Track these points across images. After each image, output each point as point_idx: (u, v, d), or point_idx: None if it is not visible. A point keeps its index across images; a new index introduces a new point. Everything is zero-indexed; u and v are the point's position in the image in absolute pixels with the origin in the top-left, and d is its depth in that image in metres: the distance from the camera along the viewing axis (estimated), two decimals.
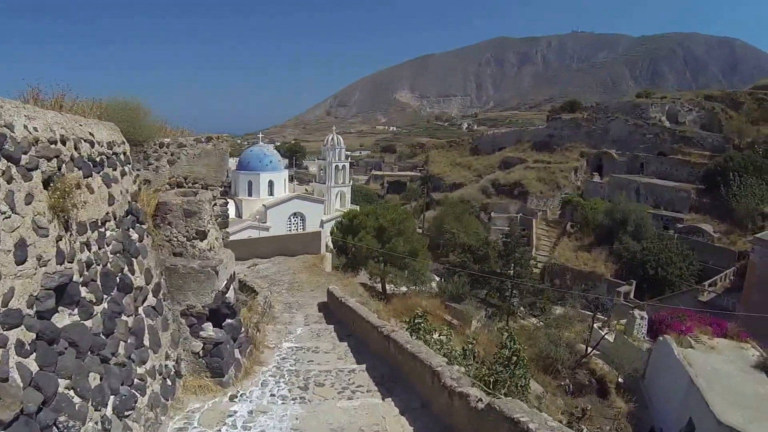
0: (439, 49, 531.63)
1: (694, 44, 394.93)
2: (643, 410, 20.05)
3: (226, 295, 9.42)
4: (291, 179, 68.57)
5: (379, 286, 27.14)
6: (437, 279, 35.41)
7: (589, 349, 23.60)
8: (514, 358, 12.26)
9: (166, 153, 11.19)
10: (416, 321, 13.15)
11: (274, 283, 22.10)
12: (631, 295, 40.84)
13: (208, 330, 9.12)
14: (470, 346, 12.54)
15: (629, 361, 22.23)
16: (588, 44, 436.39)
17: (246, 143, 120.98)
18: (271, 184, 61.11)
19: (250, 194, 60.47)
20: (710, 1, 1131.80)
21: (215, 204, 11.39)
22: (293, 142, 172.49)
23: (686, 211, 55.95)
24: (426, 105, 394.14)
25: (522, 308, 30.59)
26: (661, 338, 21.89)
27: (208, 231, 9.33)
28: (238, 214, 58.77)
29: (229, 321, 9.56)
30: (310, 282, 22.48)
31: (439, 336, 12.94)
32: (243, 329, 10.46)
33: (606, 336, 24.84)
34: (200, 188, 11.05)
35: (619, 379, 22.46)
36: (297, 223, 60.50)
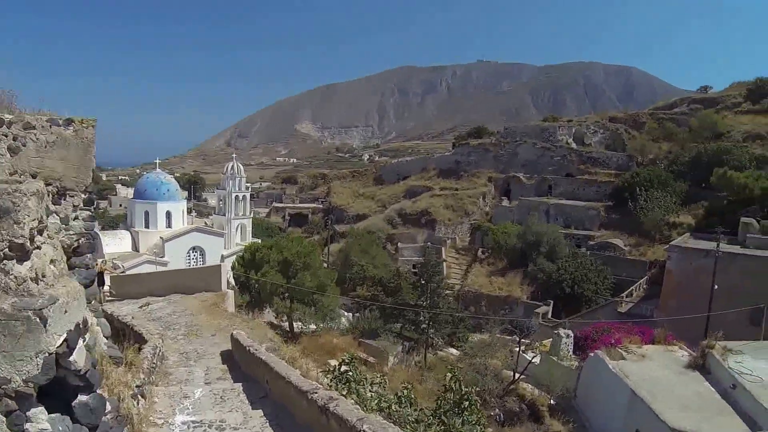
0: (344, 78, 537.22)
1: (593, 73, 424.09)
2: (581, 430, 19.05)
3: (71, 359, 5.51)
4: (189, 211, 65.08)
5: (286, 324, 25.96)
6: (346, 314, 34.45)
7: (517, 375, 22.59)
8: (465, 403, 10.56)
9: (5, 136, 7.60)
10: (342, 370, 10.83)
11: (169, 327, 19.49)
12: (549, 315, 41.08)
13: (39, 420, 5.24)
14: (406, 392, 10.56)
15: (559, 382, 21.36)
16: (492, 73, 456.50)
17: (145, 173, 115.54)
18: (168, 215, 57.97)
19: (146, 225, 57.12)
20: (609, 32, 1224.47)
21: (76, 217, 8.27)
22: (193, 173, 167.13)
23: (596, 228, 57.87)
24: (327, 136, 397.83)
25: (439, 339, 29.63)
26: (591, 354, 21.33)
27: (36, 248, 5.59)
28: (135, 248, 55.76)
29: (81, 399, 5.80)
30: (211, 325, 20.02)
31: (371, 386, 10.69)
32: (111, 406, 6.61)
33: (534, 359, 23.99)
34: (55, 192, 8.09)
35: (551, 401, 21.45)
36: (196, 258, 57.51)
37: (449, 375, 11.35)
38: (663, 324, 25.79)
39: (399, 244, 61.98)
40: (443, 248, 58.66)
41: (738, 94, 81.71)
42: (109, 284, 26.22)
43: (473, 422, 10.42)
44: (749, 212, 42.12)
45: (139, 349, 12.17)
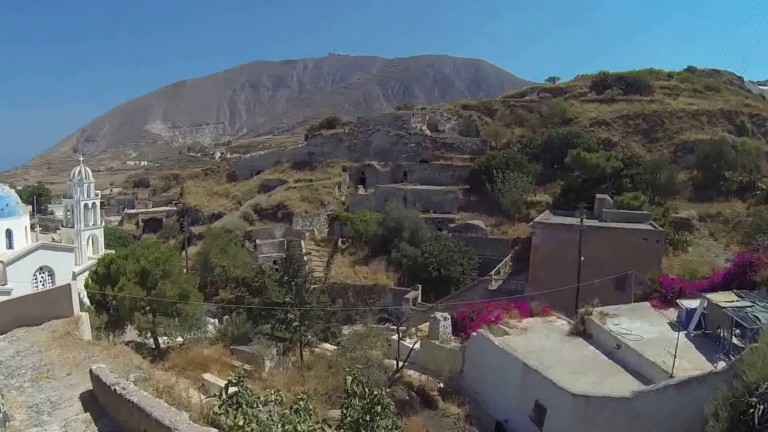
0: (193, 75, 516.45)
1: (443, 65, 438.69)
2: (478, 409, 18.65)
3: None
4: (33, 228, 57.82)
5: (152, 341, 24.10)
6: (212, 321, 32.89)
7: (400, 363, 21.85)
8: (377, 407, 9.12)
9: None
10: (231, 392, 8.81)
11: (12, 374, 15.63)
12: (419, 300, 41.00)
13: None
14: (301, 403, 8.83)
15: (445, 365, 20.87)
16: (343, 66, 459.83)
17: None
18: (9, 233, 50.84)
19: None
20: (458, 26, 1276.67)
21: None
22: (37, 184, 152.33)
23: (456, 211, 59.34)
24: (179, 135, 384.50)
25: (313, 336, 28.24)
26: (473, 334, 21.26)
27: None
28: None
29: None
30: (65, 361, 16.48)
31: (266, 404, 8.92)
32: None
33: (415, 345, 23.33)
34: None
35: (440, 385, 20.90)
36: (44, 280, 50.79)
37: (350, 378, 9.88)
38: (537, 297, 26.44)
39: (257, 240, 59.95)
40: (303, 241, 57.18)
41: (584, 85, 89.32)
42: None
43: (390, 428, 9.13)
44: (602, 189, 44.93)
45: None
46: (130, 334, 24.43)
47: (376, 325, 28.06)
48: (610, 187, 47.61)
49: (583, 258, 30.54)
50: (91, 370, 13.36)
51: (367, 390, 9.42)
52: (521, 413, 16.98)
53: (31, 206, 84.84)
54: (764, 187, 55.07)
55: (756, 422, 9.44)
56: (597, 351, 18.76)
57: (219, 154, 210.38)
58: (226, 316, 36.77)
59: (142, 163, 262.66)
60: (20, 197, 60.58)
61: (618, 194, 46.80)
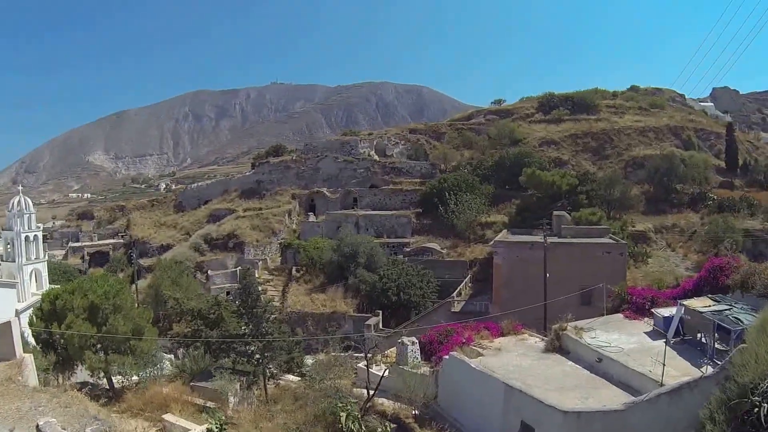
0: (134, 105, 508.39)
1: (385, 92, 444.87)
2: None
3: None
4: None
5: (105, 382, 22.88)
6: (168, 357, 31.46)
7: (371, 391, 20.90)
8: None
9: None
10: None
11: None
12: (380, 326, 40.25)
13: None
14: None
15: (418, 391, 20.01)
16: (286, 95, 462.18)
17: None
18: None
19: None
20: (398, 53, 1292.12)
21: None
22: None
23: (410, 235, 59.14)
24: (122, 167, 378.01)
25: (276, 368, 27.07)
26: (446, 357, 20.67)
27: None
28: None
29: None
30: (7, 414, 14.08)
31: None
32: None
33: (385, 372, 22.48)
34: None
35: (415, 412, 20.04)
36: None
37: (343, 415, 9.18)
38: (505, 316, 26.04)
39: (209, 271, 58.45)
40: (256, 270, 55.81)
41: (530, 106, 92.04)
42: None
43: None
44: (558, 207, 45.41)
45: None
46: (82, 374, 23.20)
47: (340, 354, 27.16)
48: (566, 203, 48.23)
49: (548, 274, 30.46)
50: (37, 426, 11.82)
51: (363, 427, 8.71)
52: None
53: None
54: (715, 197, 57.19)
55: (763, 421, 9.60)
56: (577, 366, 18.45)
57: (164, 185, 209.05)
58: (181, 350, 35.26)
59: (85, 195, 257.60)
60: None
61: (575, 210, 47.42)
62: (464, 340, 21.93)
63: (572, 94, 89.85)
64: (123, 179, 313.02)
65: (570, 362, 18.88)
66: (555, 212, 42.22)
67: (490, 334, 22.94)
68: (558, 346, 20.26)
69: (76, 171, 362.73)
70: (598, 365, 17.82)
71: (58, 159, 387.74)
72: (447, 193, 57.43)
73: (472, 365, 18.62)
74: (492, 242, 39.54)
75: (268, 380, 25.15)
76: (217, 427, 8.14)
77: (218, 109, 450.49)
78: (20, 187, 70.19)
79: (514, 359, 19.85)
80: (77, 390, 17.70)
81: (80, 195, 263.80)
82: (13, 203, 56.65)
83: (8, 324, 17.60)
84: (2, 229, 62.87)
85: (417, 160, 77.74)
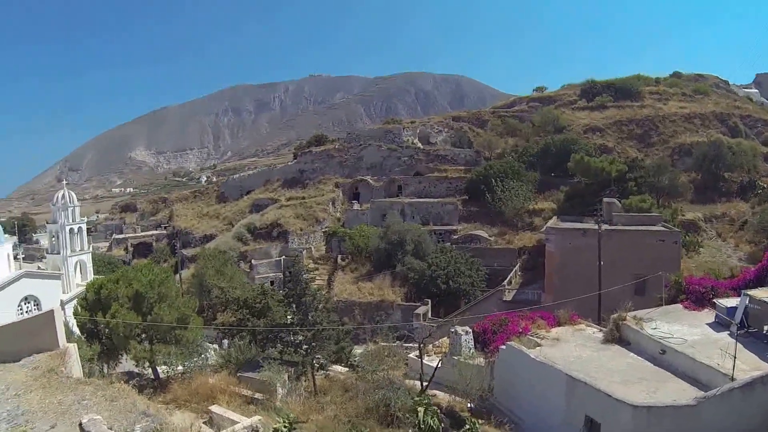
0: (175, 101, 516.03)
1: (423, 82, 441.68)
2: (517, 429, 17.52)
3: None
4: (16, 257, 56.06)
5: (150, 371, 22.81)
6: (212, 347, 31.34)
7: (425, 383, 20.57)
8: None
9: None
10: None
11: None
12: (429, 315, 39.86)
13: None
14: None
15: (475, 382, 19.58)
16: (324, 87, 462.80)
17: None
18: None
19: None
20: (435, 43, 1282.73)
21: None
22: (21, 215, 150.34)
23: (456, 222, 58.46)
24: (163, 161, 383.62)
25: (325, 359, 26.74)
26: (503, 347, 20.14)
27: None
28: None
29: None
30: (49, 408, 12.82)
31: None
32: None
33: (440, 363, 22.11)
34: None
35: (470, 405, 19.64)
36: (30, 310, 48.32)
37: (421, 410, 8.99)
38: (564, 306, 25.43)
39: (253, 260, 58.62)
40: (301, 259, 56.04)
41: (573, 93, 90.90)
42: None
43: None
44: (607, 193, 44.35)
45: None
46: (126, 364, 23.32)
47: (388, 344, 26.83)
48: (615, 191, 47.18)
49: (602, 262, 29.82)
50: (80, 424, 10.53)
51: (443, 424, 8.49)
52: (568, 430, 15.91)
53: (15, 237, 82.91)
54: (765, 186, 55.39)
55: None
56: (639, 358, 17.85)
57: (205, 178, 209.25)
58: (225, 340, 35.43)
59: (128, 190, 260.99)
60: (3, 229, 58.93)
61: (624, 198, 46.35)
62: (520, 330, 21.46)
63: (614, 80, 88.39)
64: (164, 173, 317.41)
65: (632, 354, 18.25)
66: (605, 199, 41.18)
67: (546, 324, 22.46)
68: (618, 337, 19.59)
69: (119, 167, 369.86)
70: (662, 357, 17.18)
71: (101, 156, 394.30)
72: (494, 180, 56.81)
73: (532, 356, 18.13)
74: (544, 228, 38.84)
75: (317, 371, 24.98)
76: (285, 427, 7.55)
77: (257, 103, 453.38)
78: (65, 182, 71.78)
79: (574, 350, 19.25)
80: (123, 381, 16.53)
81: (123, 190, 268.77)
82: (57, 197, 57.95)
83: (51, 313, 16.81)
84: (47, 222, 64.49)
85: (461, 147, 77.16)
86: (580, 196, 47.69)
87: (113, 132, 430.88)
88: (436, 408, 9.00)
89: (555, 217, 43.16)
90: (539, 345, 19.99)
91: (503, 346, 20.19)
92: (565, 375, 16.21)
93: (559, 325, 22.44)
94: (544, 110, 79.70)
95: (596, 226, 31.76)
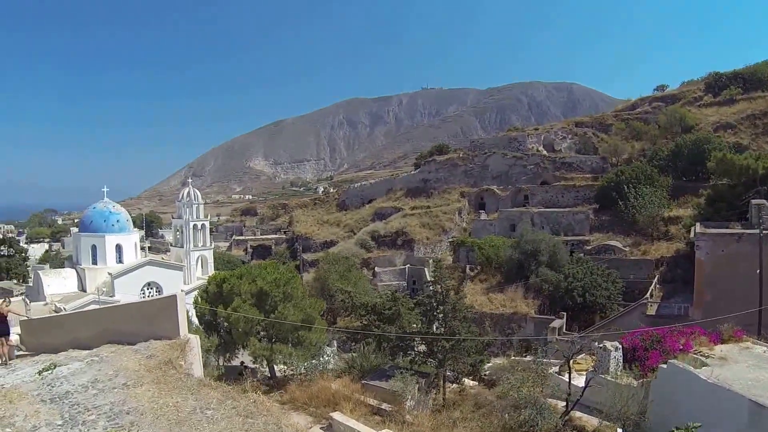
0: (291, 114, 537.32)
1: (536, 91, 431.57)
2: None
3: None
4: (142, 248, 60.29)
5: (266, 368, 22.50)
6: (332, 351, 31.49)
7: (570, 404, 19.09)
8: None
9: None
10: None
11: (76, 418, 9.91)
12: (563, 329, 37.90)
13: None
14: None
15: (629, 405, 17.83)
16: (438, 99, 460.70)
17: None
18: (119, 248, 53.18)
19: (94, 261, 52.25)
20: (546, 51, 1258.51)
21: None
22: (149, 212, 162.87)
23: (588, 232, 55.81)
24: (281, 171, 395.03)
25: (460, 372, 25.45)
26: (663, 366, 18.14)
27: None
28: (82, 287, 50.58)
29: None
30: (162, 409, 10.27)
31: None
32: None
33: (590, 382, 20.49)
34: None
35: (619, 431, 17.89)
36: (152, 296, 51.30)
37: None
38: (719, 321, 23.02)
39: (376, 268, 58.71)
40: (426, 269, 55.52)
41: (696, 89, 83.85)
42: (19, 332, 16.60)
43: None
44: (756, 194, 40.16)
45: None
46: (243, 357, 23.16)
47: (523, 358, 25.31)
48: (764, 191, 42.64)
49: (758, 271, 26.97)
50: None
51: None
52: None
53: (142, 231, 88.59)
54: None
55: None
56: None
57: (322, 188, 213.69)
58: (352, 347, 35.00)
59: (247, 196, 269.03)
60: (133, 223, 62.94)
61: None
62: (681, 347, 19.60)
63: (742, 70, 79.60)
64: (282, 183, 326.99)
65: None
66: (753, 201, 37.21)
67: (707, 341, 20.36)
68: None
69: (238, 175, 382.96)
70: None
71: (222, 164, 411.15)
72: (626, 187, 53.59)
73: (702, 377, 16.22)
74: (694, 235, 35.58)
75: (451, 384, 23.92)
76: None
77: (372, 116, 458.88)
78: (189, 180, 75.51)
79: (747, 371, 16.93)
80: (259, 392, 14.21)
81: (242, 196, 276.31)
82: (182, 194, 61.05)
83: (174, 298, 15.12)
84: (173, 217, 68.06)
85: (586, 154, 74.13)
86: (723, 200, 43.48)
87: (233, 142, 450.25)
88: None
89: (698, 224, 39.71)
90: (705, 365, 17.88)
91: (663, 365, 18.27)
92: (747, 400, 14.34)
93: (722, 343, 20.11)
94: (669, 109, 74.28)
95: (755, 231, 28.72)
